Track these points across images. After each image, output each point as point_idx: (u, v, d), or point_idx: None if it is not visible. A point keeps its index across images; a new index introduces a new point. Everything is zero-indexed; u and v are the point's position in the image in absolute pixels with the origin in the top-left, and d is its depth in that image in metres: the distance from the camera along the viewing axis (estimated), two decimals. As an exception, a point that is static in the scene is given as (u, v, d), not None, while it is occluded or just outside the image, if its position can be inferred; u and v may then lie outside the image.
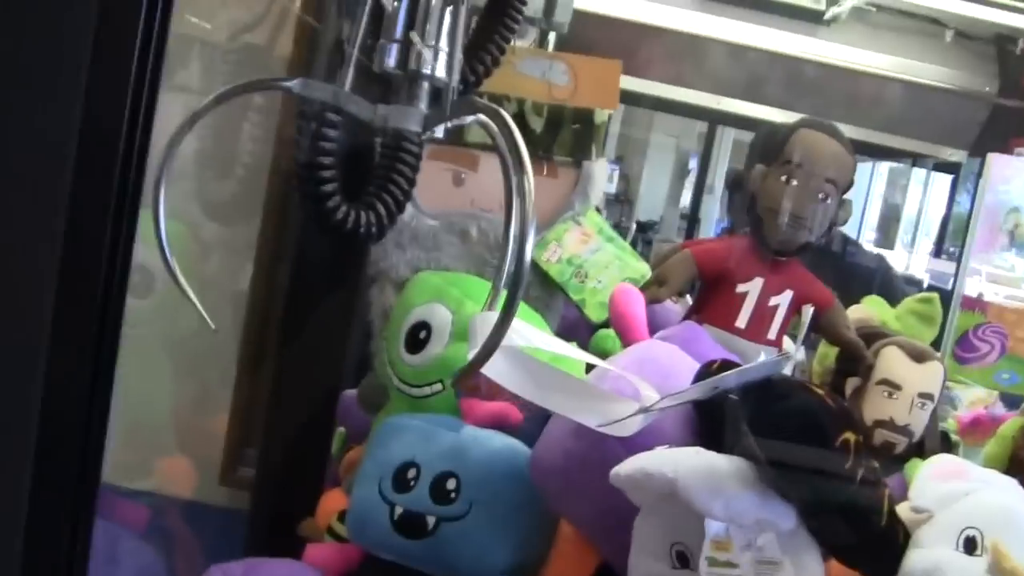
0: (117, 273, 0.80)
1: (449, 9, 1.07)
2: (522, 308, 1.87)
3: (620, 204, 9.16)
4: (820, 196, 2.01)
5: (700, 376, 1.48)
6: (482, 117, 1.07)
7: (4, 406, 0.79)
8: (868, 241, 7.83)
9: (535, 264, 2.01)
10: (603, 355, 1.84)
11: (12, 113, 0.75)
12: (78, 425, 0.84)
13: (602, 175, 2.11)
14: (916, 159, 5.14)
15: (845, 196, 2.06)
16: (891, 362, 2.09)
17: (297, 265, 2.06)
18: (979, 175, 3.04)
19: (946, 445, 2.23)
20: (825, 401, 1.39)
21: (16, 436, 0.79)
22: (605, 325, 2.06)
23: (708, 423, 1.47)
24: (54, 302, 0.77)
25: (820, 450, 1.34)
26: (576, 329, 2.18)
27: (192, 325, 1.67)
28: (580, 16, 2.43)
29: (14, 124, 0.75)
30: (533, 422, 1.70)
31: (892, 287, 3.48)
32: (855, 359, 2.11)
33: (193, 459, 2.06)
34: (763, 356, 1.89)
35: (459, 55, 1.08)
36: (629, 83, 4.08)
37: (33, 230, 0.77)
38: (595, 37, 3.73)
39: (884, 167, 7.54)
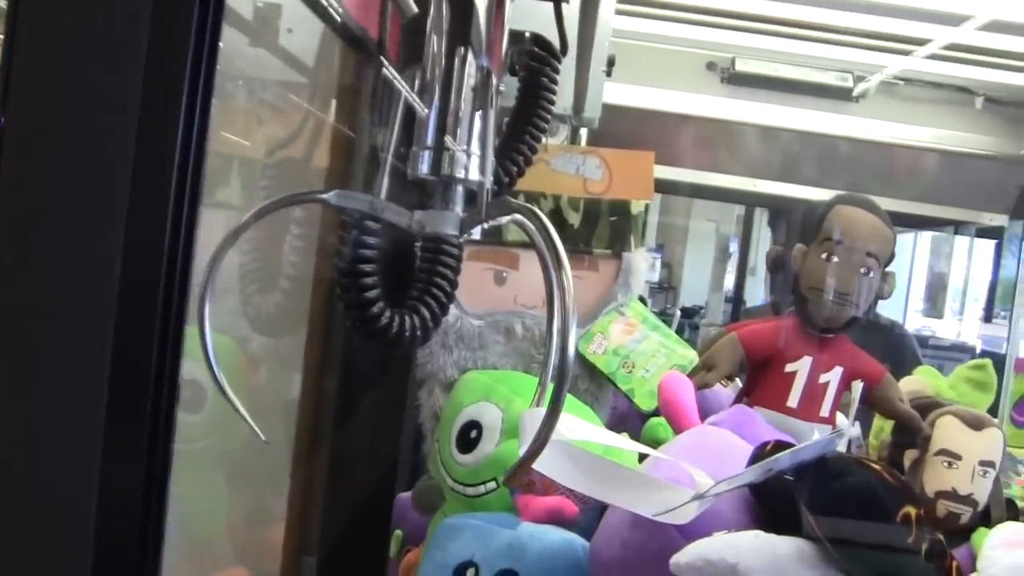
0: (165, 390, 0.82)
1: (479, 113, 1.10)
2: (571, 401, 1.88)
3: (664, 292, 9.19)
4: (862, 271, 2.01)
5: (753, 459, 1.47)
6: (518, 216, 1.09)
7: (58, 527, 0.80)
8: (916, 311, 7.79)
9: (582, 357, 2.02)
10: (655, 443, 1.83)
11: (55, 233, 0.78)
12: (133, 544, 0.85)
13: (643, 265, 2.12)
14: (958, 226, 5.13)
15: (887, 268, 2.07)
16: (948, 432, 2.06)
17: (345, 372, 2.08)
18: (1022, 238, 3.04)
19: (1012, 512, 2.19)
20: (883, 476, 1.37)
21: (71, 557, 0.80)
22: (656, 414, 2.05)
23: (766, 505, 1.46)
24: (104, 420, 0.79)
25: (881, 526, 1.32)
26: (627, 419, 2.17)
27: (245, 437, 1.69)
28: (611, 110, 2.46)
29: (57, 246, 0.78)
30: (589, 515, 1.69)
31: (904, 348, 3.47)
32: (911, 431, 2.10)
33: (252, 570, 2.06)
34: (817, 434, 1.88)
35: (491, 157, 1.10)
36: (665, 172, 4.11)
37: (80, 351, 0.78)
38: (627, 130, 3.77)
39: (926, 237, 7.53)
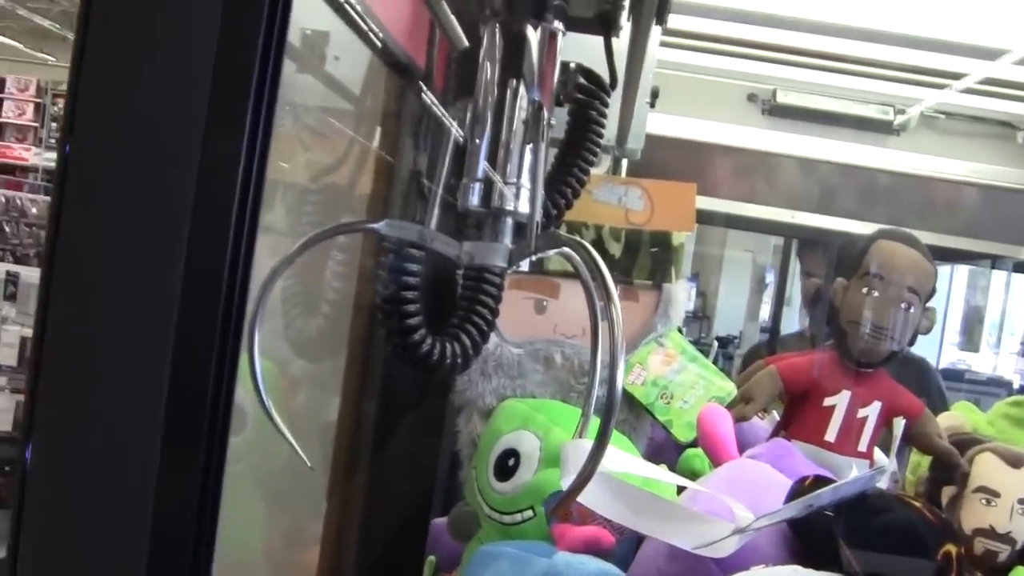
0: (221, 416, 0.83)
1: (529, 146, 1.11)
2: (610, 431, 1.88)
3: (699, 321, 9.19)
4: (903, 306, 2.01)
5: (793, 493, 1.47)
6: (566, 250, 1.10)
7: (113, 551, 0.82)
8: (952, 344, 7.76)
9: (620, 387, 2.02)
10: (692, 475, 1.83)
11: (118, 261, 0.79)
12: (185, 564, 0.86)
13: (682, 296, 2.12)
14: (995, 260, 5.10)
15: (928, 304, 2.06)
16: (987, 468, 2.06)
17: (383, 397, 2.09)
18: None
19: (1052, 553, 2.17)
20: (924, 514, 1.37)
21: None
22: (693, 445, 2.05)
23: (804, 540, 1.46)
24: (161, 447, 0.80)
25: (922, 563, 1.32)
26: (663, 450, 2.17)
27: (282, 459, 1.70)
28: (651, 140, 2.46)
29: (118, 272, 0.79)
30: (626, 545, 1.69)
31: (930, 384, 3.47)
32: (949, 467, 2.09)
33: (287, 594, 2.07)
34: (854, 469, 1.87)
35: (541, 190, 1.11)
36: (702, 202, 4.10)
37: (138, 375, 0.80)
38: (667, 159, 3.78)
39: (963, 270, 7.50)
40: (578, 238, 1.09)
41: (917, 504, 1.40)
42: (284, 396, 1.83)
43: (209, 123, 0.77)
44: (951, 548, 1.33)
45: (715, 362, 2.28)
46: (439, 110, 1.10)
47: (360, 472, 2.14)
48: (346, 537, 2.13)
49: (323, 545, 2.09)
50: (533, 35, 1.12)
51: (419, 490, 2.15)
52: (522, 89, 1.11)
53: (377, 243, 1.30)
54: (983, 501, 2.03)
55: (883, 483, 2.16)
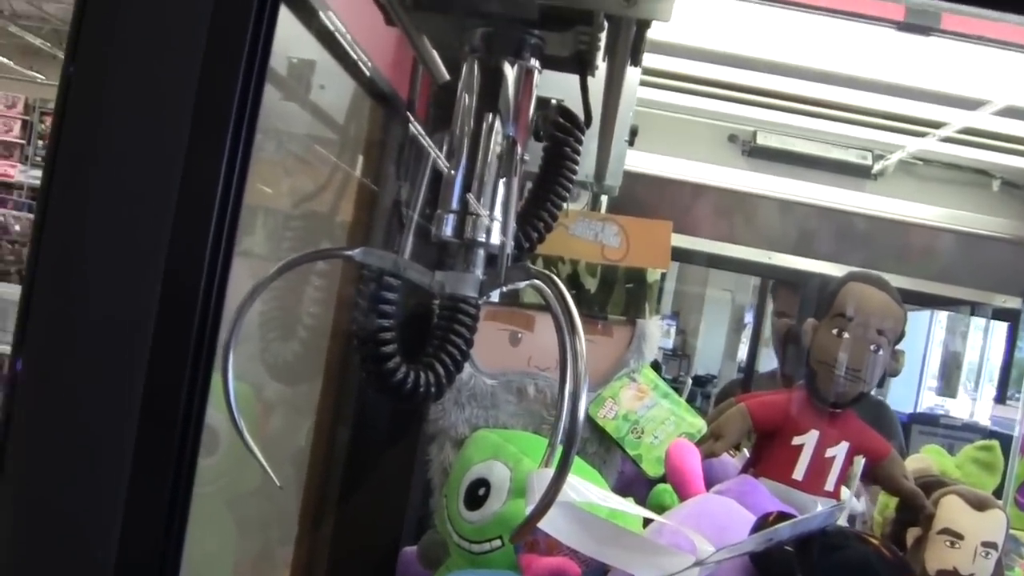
0: (191, 434, 0.85)
1: (503, 180, 1.13)
2: (579, 464, 1.89)
3: (678, 359, 9.21)
4: (872, 348, 2.03)
5: (756, 528, 1.49)
6: (536, 282, 1.12)
7: (82, 565, 0.83)
8: (930, 389, 7.78)
9: (592, 421, 2.03)
10: (661, 510, 1.85)
11: (97, 280, 0.81)
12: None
13: (656, 332, 2.14)
14: (975, 307, 5.12)
15: (897, 346, 2.09)
16: (952, 511, 2.07)
17: (357, 423, 2.10)
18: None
19: (1013, 595, 2.20)
20: (880, 550, 1.39)
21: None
22: (663, 480, 2.07)
23: (765, 574, 1.47)
24: (132, 463, 0.82)
25: (877, 601, 1.34)
26: (634, 484, 2.18)
27: (254, 483, 1.71)
28: (633, 177, 2.48)
29: (97, 292, 0.81)
30: (592, 576, 1.70)
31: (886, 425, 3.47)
32: (915, 509, 2.11)
33: (256, 617, 2.07)
34: (819, 507, 1.89)
35: (512, 223, 1.13)
36: (683, 241, 4.14)
37: (113, 393, 0.82)
38: (648, 197, 3.81)
39: (943, 316, 7.53)
40: (547, 272, 1.11)
41: (874, 541, 1.42)
42: (258, 419, 1.84)
43: (190, 146, 0.79)
44: (907, 585, 1.36)
45: (691, 401, 2.30)
46: (423, 140, 1.12)
47: (332, 497, 2.15)
48: (316, 562, 2.14)
49: (293, 569, 2.10)
50: (510, 72, 1.15)
51: (390, 517, 2.16)
52: (497, 123, 1.14)
53: (356, 271, 1.32)
54: (947, 543, 2.05)
55: (856, 524, 2.18)
